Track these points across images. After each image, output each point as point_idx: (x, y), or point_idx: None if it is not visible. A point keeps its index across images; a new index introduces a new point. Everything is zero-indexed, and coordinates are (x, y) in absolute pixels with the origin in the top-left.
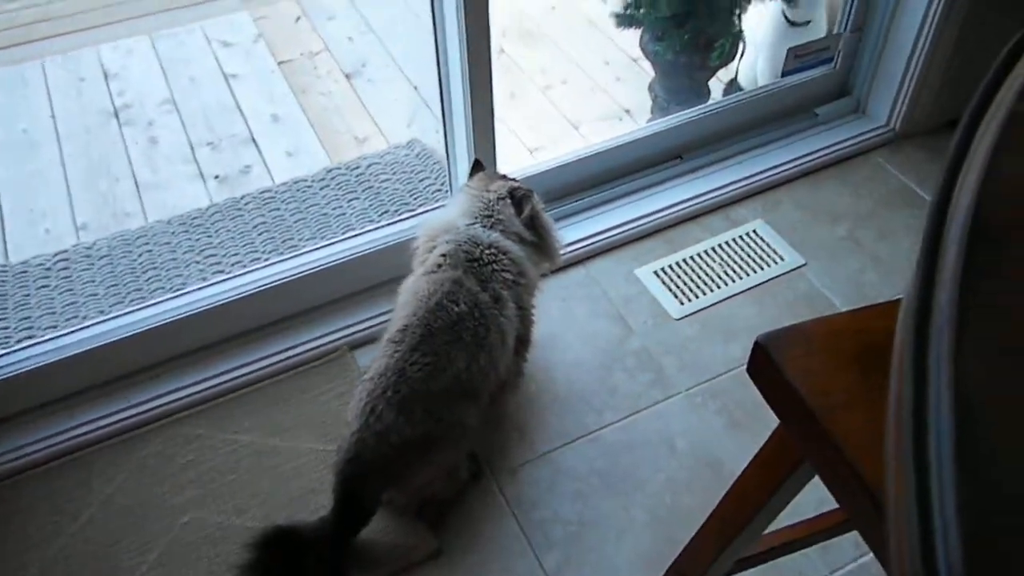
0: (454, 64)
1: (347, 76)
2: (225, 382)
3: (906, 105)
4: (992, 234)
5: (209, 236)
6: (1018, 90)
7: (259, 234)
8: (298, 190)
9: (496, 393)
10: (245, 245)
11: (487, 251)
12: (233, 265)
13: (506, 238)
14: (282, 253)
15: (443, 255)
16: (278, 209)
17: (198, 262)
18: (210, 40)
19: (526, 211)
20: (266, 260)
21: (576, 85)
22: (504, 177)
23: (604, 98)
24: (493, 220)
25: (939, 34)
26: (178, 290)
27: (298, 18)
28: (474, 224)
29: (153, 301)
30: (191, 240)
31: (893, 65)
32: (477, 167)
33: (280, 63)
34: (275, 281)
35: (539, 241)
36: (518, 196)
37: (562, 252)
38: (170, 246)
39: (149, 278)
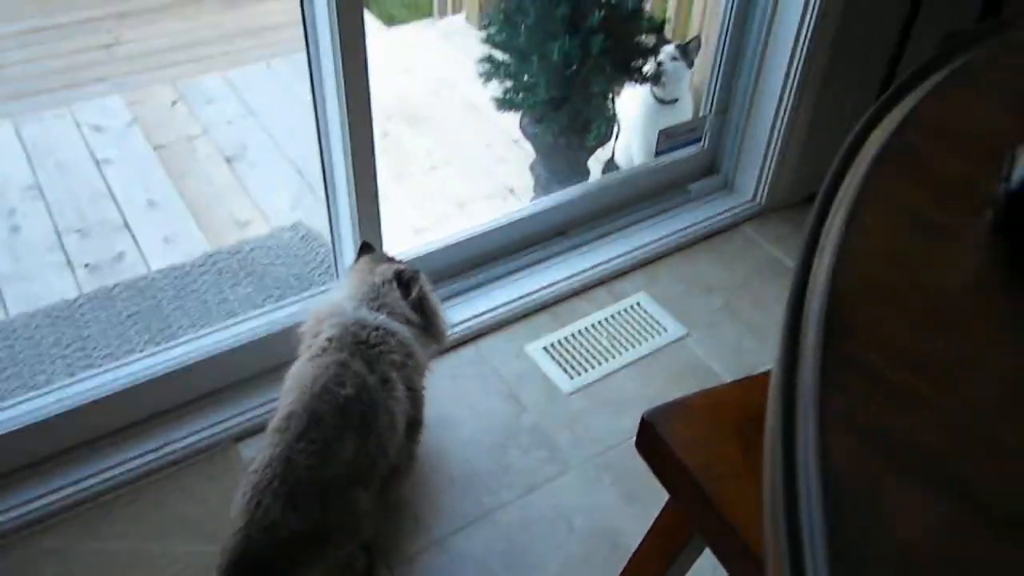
0: (336, 147)
1: (227, 160)
2: (94, 485)
3: (769, 180)
4: (846, 317)
5: (77, 328)
6: (863, 175)
7: (133, 324)
8: (176, 277)
9: (388, 478)
10: (118, 337)
11: (374, 333)
12: (104, 358)
13: (393, 320)
14: (158, 343)
15: (328, 338)
16: (154, 297)
17: (64, 356)
18: (80, 125)
19: (413, 293)
20: (141, 352)
21: (460, 166)
22: (391, 259)
23: (488, 178)
24: (380, 302)
25: (794, 116)
26: (41, 388)
27: (174, 102)
28: (361, 307)
29: (12, 401)
30: (57, 333)
31: (755, 144)
32: (364, 249)
33: (156, 148)
34: (150, 373)
35: (427, 323)
36: (405, 278)
37: (449, 333)
38: (33, 340)
39: (8, 376)
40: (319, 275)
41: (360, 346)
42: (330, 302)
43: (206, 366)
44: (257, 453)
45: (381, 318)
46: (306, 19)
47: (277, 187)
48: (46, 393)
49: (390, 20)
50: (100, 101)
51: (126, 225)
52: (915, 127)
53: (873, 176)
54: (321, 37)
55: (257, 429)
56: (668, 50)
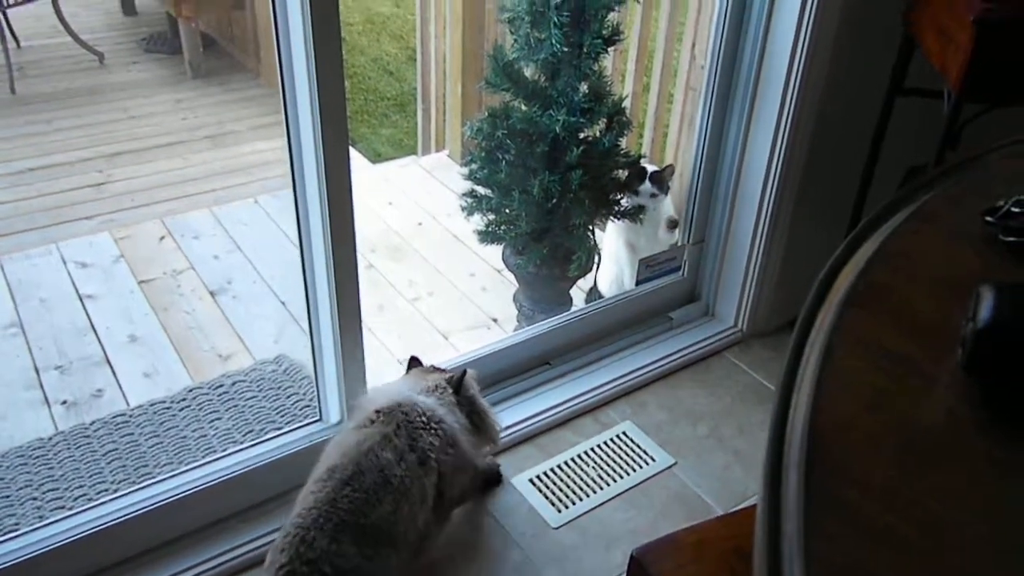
0: (321, 282)
1: (212, 293)
2: None
3: (749, 308)
4: (827, 461)
5: (51, 468)
6: (835, 315)
7: (109, 463)
8: (155, 412)
9: (413, 553)
10: (92, 476)
11: (422, 416)
12: (76, 500)
13: (444, 408)
14: (134, 482)
15: (377, 410)
16: (132, 434)
17: (35, 499)
18: (66, 261)
19: (464, 392)
20: (115, 492)
21: (444, 296)
22: (439, 369)
23: (471, 308)
24: (436, 395)
25: (769, 244)
26: (8, 532)
27: (162, 238)
28: (415, 394)
29: None
30: (29, 474)
31: (734, 272)
32: (413, 363)
33: (141, 282)
34: (123, 515)
35: (478, 422)
36: (455, 380)
37: (501, 433)
38: (3, 482)
39: None
40: (301, 408)
41: (406, 424)
42: (389, 389)
43: (182, 506)
44: (295, 506)
45: (431, 403)
46: (293, 157)
47: (261, 320)
48: (13, 537)
49: (376, 157)
50: (88, 238)
51: (107, 360)
52: (883, 265)
53: (845, 315)
54: (308, 175)
55: (243, 568)
56: (646, 188)
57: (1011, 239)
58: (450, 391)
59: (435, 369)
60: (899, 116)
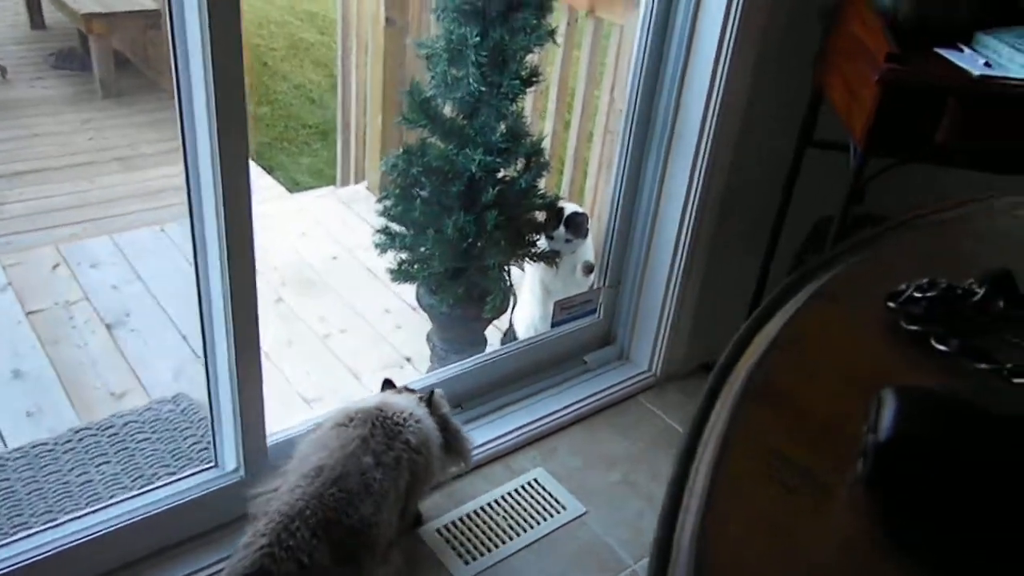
0: (217, 314)
1: (108, 326)
2: None
3: (664, 351)
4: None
5: None
6: (729, 415)
7: None
8: (36, 455)
9: (380, 558)
10: None
11: (400, 415)
12: None
13: (422, 412)
14: (5, 534)
15: (352, 415)
16: (7, 479)
17: None
18: None
19: (436, 410)
20: None
21: (356, 333)
22: (410, 390)
23: (385, 346)
24: (416, 400)
25: (684, 288)
26: None
27: (56, 265)
28: (390, 400)
29: None
30: None
31: (648, 315)
32: (386, 384)
33: (29, 313)
34: None
35: (450, 439)
36: (426, 398)
37: (473, 453)
38: None
39: None
40: (199, 451)
41: (383, 423)
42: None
43: (59, 560)
44: (271, 500)
45: (410, 404)
46: (189, 180)
47: (160, 356)
48: None
49: (294, 186)
50: None
51: None
52: (781, 355)
53: (741, 413)
54: (205, 198)
55: None
56: (560, 233)
57: (912, 328)
58: (424, 406)
59: (407, 389)
60: (811, 166)
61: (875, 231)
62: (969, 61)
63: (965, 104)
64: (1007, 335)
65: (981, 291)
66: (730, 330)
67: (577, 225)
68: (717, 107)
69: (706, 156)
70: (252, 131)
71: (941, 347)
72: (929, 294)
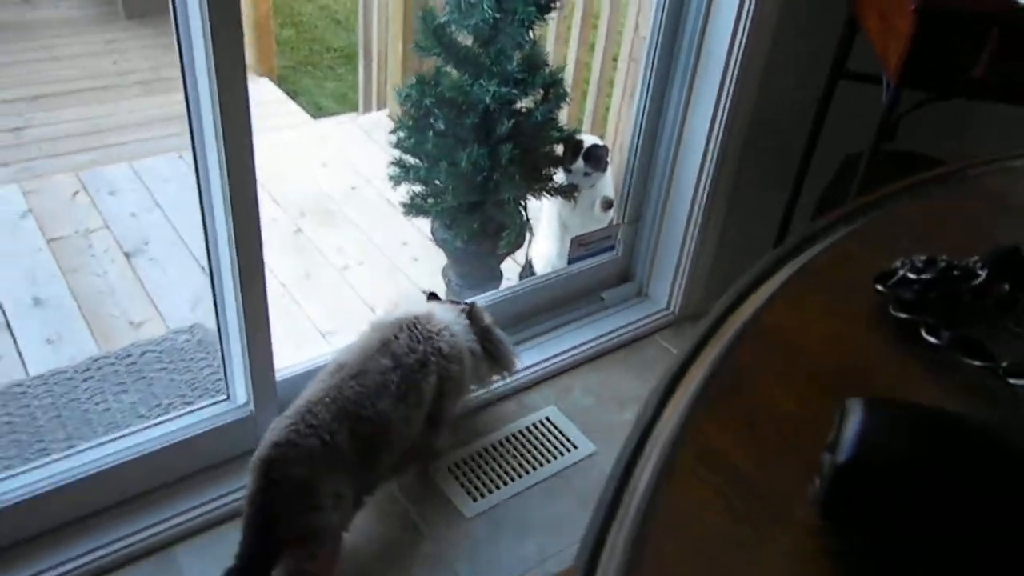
0: (223, 251)
1: (127, 255)
2: None
3: (683, 289)
4: None
5: None
6: (684, 413)
7: (1, 437)
8: (55, 383)
9: (403, 458)
10: None
11: (436, 324)
12: None
13: (460, 327)
14: (27, 458)
15: (390, 318)
16: (28, 406)
17: None
18: None
19: (479, 322)
20: (5, 469)
21: (374, 266)
22: (455, 303)
23: (402, 279)
24: (455, 315)
25: (705, 225)
26: None
27: (76, 193)
28: (434, 310)
29: None
30: None
31: (668, 253)
32: (431, 297)
33: (50, 241)
34: (15, 497)
35: (493, 350)
36: (467, 309)
37: (517, 363)
38: None
39: None
40: (214, 381)
41: (411, 329)
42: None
43: (78, 487)
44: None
45: (450, 317)
46: (190, 111)
47: (178, 286)
48: None
49: (318, 111)
50: None
51: (7, 325)
52: (751, 344)
53: (695, 414)
54: (206, 130)
55: (138, 556)
56: (578, 166)
57: (901, 315)
58: (465, 317)
59: (452, 302)
60: (842, 100)
61: (886, 191)
62: None
63: (1008, 35)
64: (1010, 323)
65: (983, 273)
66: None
67: (597, 158)
68: (745, 35)
69: (732, 86)
70: (275, 55)
71: (931, 339)
72: (924, 276)
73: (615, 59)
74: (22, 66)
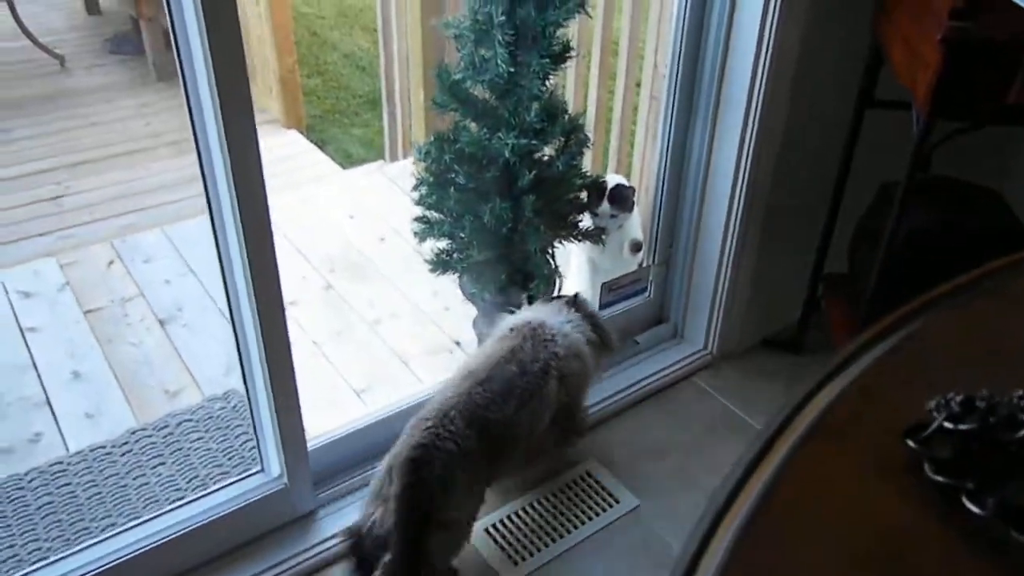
0: (247, 320)
1: (161, 322)
2: None
3: (719, 328)
4: None
5: None
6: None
7: (43, 517)
8: (95, 459)
9: (526, 459)
10: (25, 534)
11: (549, 330)
12: (4, 562)
13: (570, 326)
14: (69, 539)
15: (512, 327)
16: (69, 483)
17: None
18: (8, 291)
19: (583, 309)
20: (48, 554)
21: (405, 318)
22: (558, 298)
23: (434, 330)
24: (564, 315)
25: (738, 260)
26: None
27: (111, 262)
28: (545, 317)
29: None
30: None
31: (702, 291)
32: (531, 300)
33: (87, 312)
34: None
35: (600, 335)
36: (577, 301)
37: (616, 344)
38: None
39: None
40: (250, 449)
41: (532, 337)
42: (523, 311)
43: (114, 573)
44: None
45: (562, 324)
46: (205, 177)
47: (212, 351)
48: None
49: (347, 160)
50: (32, 265)
51: (47, 401)
52: (768, 528)
53: None
54: (222, 196)
55: None
56: (604, 209)
57: (940, 479)
58: (572, 310)
59: (556, 298)
60: (874, 126)
61: (909, 308)
62: None
63: None
64: None
65: None
66: (790, 303)
67: (622, 199)
68: (766, 67)
69: (756, 120)
70: (303, 106)
71: (974, 508)
72: (963, 426)
73: (636, 101)
74: (61, 134)
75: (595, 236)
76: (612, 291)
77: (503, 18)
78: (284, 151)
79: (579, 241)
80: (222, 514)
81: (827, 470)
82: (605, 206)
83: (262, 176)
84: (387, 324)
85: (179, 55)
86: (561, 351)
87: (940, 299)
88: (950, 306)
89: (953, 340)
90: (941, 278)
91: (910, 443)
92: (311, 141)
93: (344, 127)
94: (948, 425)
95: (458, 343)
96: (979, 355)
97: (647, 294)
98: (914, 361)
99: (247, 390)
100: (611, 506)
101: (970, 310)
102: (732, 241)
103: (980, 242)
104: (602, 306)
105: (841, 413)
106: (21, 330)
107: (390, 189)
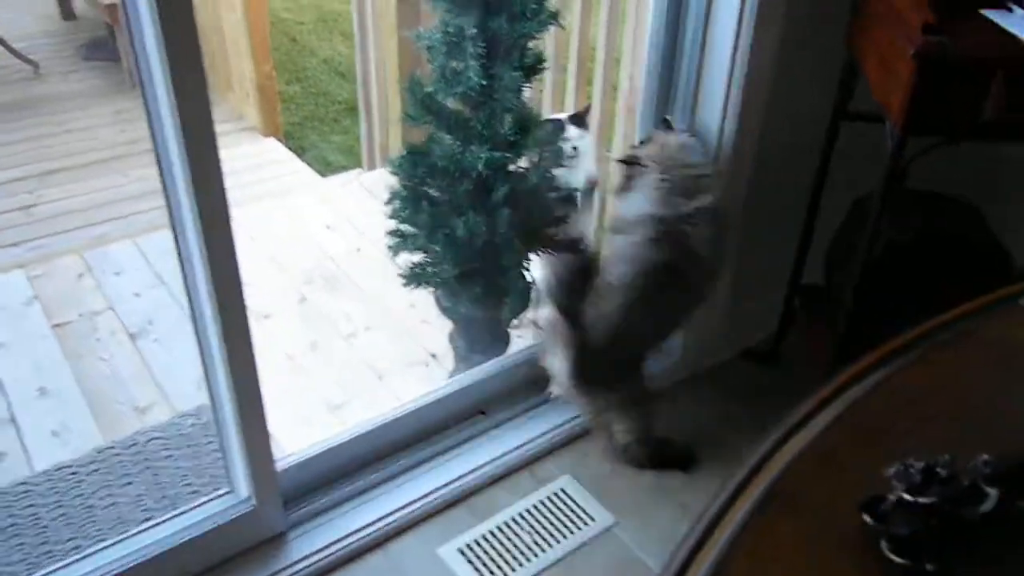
0: (213, 339)
1: (131, 336)
2: None
3: (695, 341)
4: None
5: None
6: None
7: (7, 539)
8: (60, 479)
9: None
10: None
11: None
12: None
13: None
14: (33, 564)
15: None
16: (33, 504)
17: None
18: None
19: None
20: None
21: (381, 331)
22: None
23: (410, 342)
24: None
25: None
26: None
27: (81, 275)
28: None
29: None
30: None
31: None
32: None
33: (55, 326)
34: None
35: None
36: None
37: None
38: None
39: None
40: (221, 467)
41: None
42: None
43: None
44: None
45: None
46: (167, 189)
47: (183, 366)
48: None
49: (326, 167)
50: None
51: (12, 419)
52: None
53: None
54: (184, 208)
55: None
56: (572, 133)
57: (896, 558)
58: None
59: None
60: (850, 137)
61: (873, 358)
62: (1020, 24)
63: (1015, 77)
64: None
65: (993, 492)
66: (766, 314)
67: (580, 120)
68: (740, 80)
69: (731, 134)
70: (280, 114)
71: None
72: (922, 499)
73: (612, 112)
74: (34, 141)
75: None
76: None
77: (475, 30)
78: (262, 159)
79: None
80: (190, 536)
81: (781, 543)
82: (572, 130)
83: (223, 186)
84: (363, 337)
85: (136, 60)
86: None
87: (905, 347)
88: (915, 357)
89: (917, 395)
90: (917, 292)
91: (866, 518)
92: (289, 148)
93: (323, 134)
94: (907, 497)
95: (434, 356)
96: (944, 410)
97: None
98: (875, 419)
99: (214, 409)
100: (587, 524)
101: (935, 360)
102: None
103: (956, 256)
104: None
105: (797, 479)
106: None
107: (367, 198)
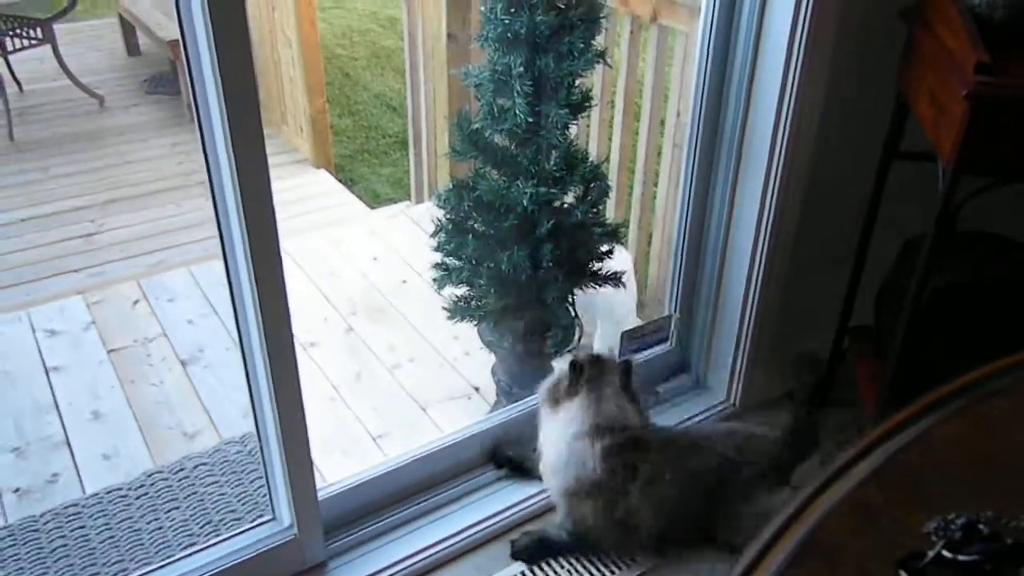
0: (259, 368)
1: (183, 363)
2: None
3: (742, 379)
4: None
5: None
6: None
7: (56, 560)
8: (110, 501)
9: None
10: None
11: None
12: None
13: None
14: None
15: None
16: (83, 527)
17: None
18: (35, 329)
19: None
20: None
21: (424, 363)
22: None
23: (453, 375)
24: None
25: (761, 311)
26: None
27: (136, 301)
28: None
29: None
30: None
31: (724, 341)
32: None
33: (111, 351)
34: None
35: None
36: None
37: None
38: None
39: None
40: (264, 495)
41: None
42: None
43: None
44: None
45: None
46: (220, 222)
47: (232, 393)
48: None
49: (375, 199)
50: (59, 303)
51: (66, 441)
52: None
53: None
54: (236, 239)
55: None
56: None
57: None
58: None
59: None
60: (901, 177)
61: (914, 409)
62: None
63: None
64: None
65: None
66: (815, 355)
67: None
68: (789, 117)
69: (779, 171)
70: (332, 146)
71: None
72: (963, 556)
73: (659, 148)
74: (97, 172)
75: (617, 280)
76: (632, 339)
77: (522, 69)
78: (312, 190)
79: (600, 287)
80: (233, 563)
81: None
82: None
83: (274, 218)
84: (406, 368)
85: (194, 95)
86: None
87: (947, 398)
88: (957, 408)
89: (959, 448)
90: (969, 335)
91: (902, 573)
92: (340, 180)
93: (373, 166)
94: (947, 555)
95: (477, 389)
96: (986, 465)
97: (669, 343)
98: (915, 472)
99: (259, 437)
100: (626, 565)
101: (978, 413)
102: (755, 291)
103: (1009, 301)
104: (621, 355)
105: (834, 531)
106: (46, 369)
107: (414, 231)
